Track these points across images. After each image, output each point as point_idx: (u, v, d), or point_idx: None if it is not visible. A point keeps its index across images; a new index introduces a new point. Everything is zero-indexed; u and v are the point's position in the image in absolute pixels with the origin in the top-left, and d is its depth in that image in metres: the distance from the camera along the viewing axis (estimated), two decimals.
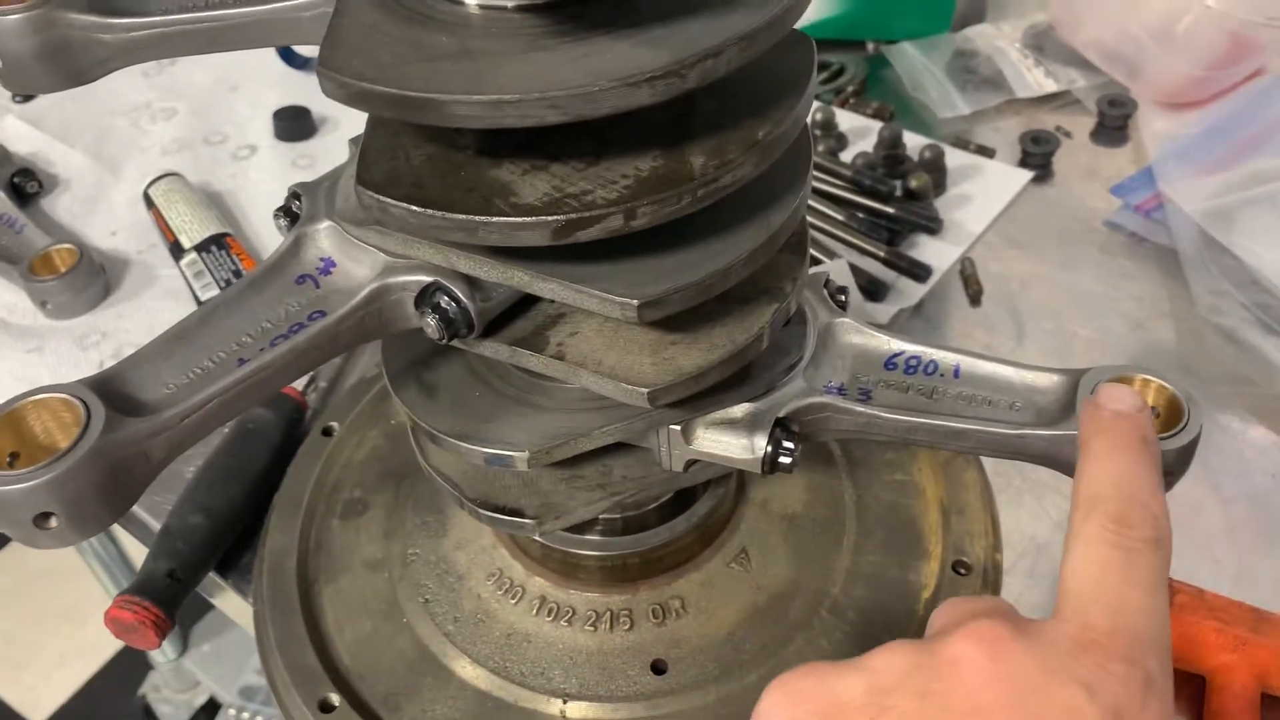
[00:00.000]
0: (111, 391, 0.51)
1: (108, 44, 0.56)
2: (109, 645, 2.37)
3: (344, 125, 1.36)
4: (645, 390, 0.54)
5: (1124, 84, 1.26)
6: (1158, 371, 0.58)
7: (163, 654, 1.93)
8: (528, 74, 0.44)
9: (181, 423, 0.51)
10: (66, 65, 0.56)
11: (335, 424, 0.90)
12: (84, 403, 0.49)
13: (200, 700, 2.01)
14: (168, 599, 0.79)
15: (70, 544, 0.50)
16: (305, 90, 1.41)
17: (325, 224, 0.58)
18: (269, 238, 1.20)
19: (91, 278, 1.12)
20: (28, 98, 1.42)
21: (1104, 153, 1.22)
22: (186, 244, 1.14)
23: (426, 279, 0.55)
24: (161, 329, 1.07)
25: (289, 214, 0.61)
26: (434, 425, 0.62)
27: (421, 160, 0.50)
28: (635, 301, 0.50)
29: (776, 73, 0.52)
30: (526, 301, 0.59)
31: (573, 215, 0.47)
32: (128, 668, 2.26)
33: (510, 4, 0.48)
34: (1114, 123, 1.23)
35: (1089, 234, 1.11)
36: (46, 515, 0.48)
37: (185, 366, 0.54)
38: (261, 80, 1.43)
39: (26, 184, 1.25)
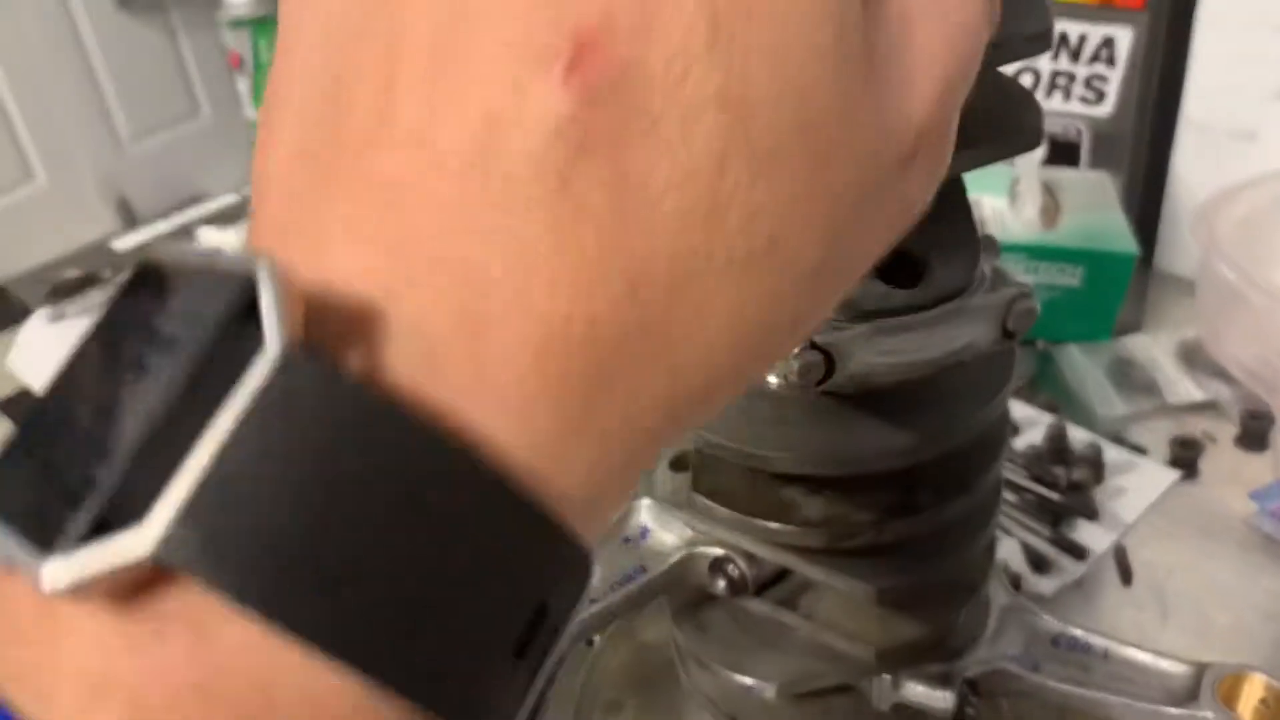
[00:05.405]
0: None
1: None
2: None
3: None
4: (874, 651, 0.76)
5: (1264, 398, 1.44)
6: (1272, 673, 0.76)
7: None
8: (823, 438, 0.68)
9: None
10: None
11: (595, 638, 1.13)
12: None
13: None
14: None
15: None
16: None
17: (646, 501, 0.83)
18: None
19: None
20: None
21: (1246, 458, 1.39)
22: None
23: (720, 552, 0.79)
24: None
25: None
26: (706, 655, 0.84)
27: (735, 479, 0.75)
28: (874, 589, 0.72)
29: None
30: (785, 572, 0.82)
31: (841, 530, 0.70)
32: None
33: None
34: (1255, 431, 1.40)
35: (1229, 531, 1.28)
36: None
37: None
38: None
39: None
